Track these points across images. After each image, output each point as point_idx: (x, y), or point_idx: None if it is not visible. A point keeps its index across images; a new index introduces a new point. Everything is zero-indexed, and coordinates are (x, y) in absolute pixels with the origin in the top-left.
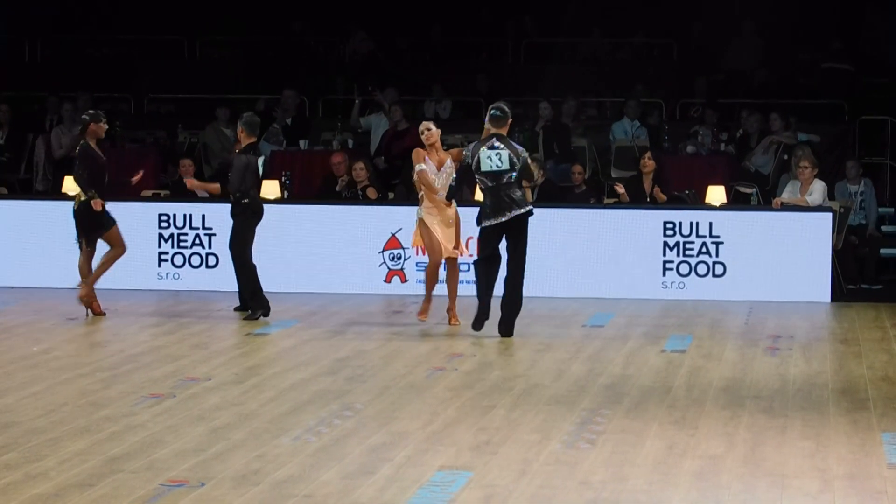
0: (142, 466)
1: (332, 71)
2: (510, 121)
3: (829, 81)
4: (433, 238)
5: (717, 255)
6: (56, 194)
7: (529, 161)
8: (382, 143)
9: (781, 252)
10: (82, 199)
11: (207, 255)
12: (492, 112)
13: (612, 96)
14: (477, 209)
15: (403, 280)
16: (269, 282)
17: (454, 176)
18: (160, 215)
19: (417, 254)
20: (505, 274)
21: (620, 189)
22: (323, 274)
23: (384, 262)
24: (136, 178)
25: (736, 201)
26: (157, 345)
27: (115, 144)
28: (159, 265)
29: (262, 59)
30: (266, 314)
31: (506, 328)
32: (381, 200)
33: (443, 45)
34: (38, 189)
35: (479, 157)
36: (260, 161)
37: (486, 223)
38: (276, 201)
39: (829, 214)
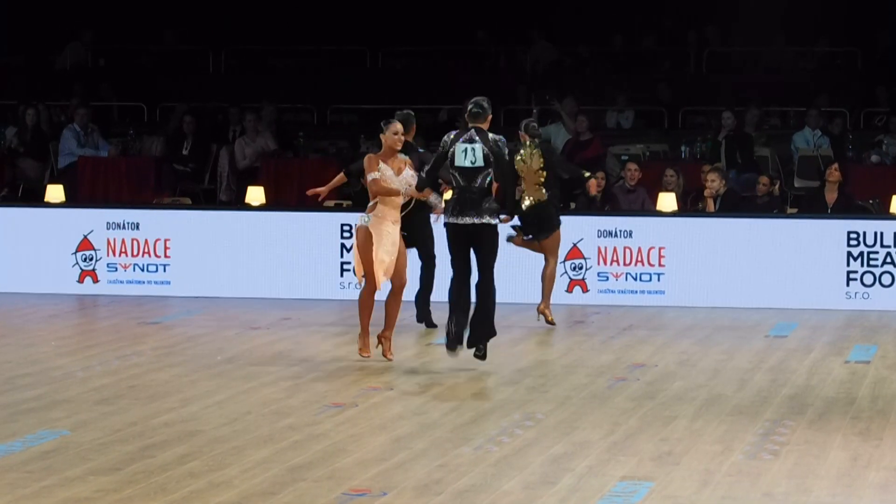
0: (324, 475)
1: (514, 80)
2: (490, 117)
3: None
4: (374, 258)
5: None
6: (240, 204)
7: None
8: (564, 153)
9: None
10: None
11: None
12: (471, 109)
13: (795, 105)
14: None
15: (585, 290)
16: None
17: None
18: (342, 225)
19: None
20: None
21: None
22: (511, 285)
23: (566, 271)
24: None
25: None
26: (339, 354)
27: (297, 154)
28: (341, 275)
29: (444, 68)
30: None
31: (477, 350)
32: (562, 211)
33: (624, 54)
34: (222, 199)
35: (454, 150)
36: None
37: (447, 220)
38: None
39: None
